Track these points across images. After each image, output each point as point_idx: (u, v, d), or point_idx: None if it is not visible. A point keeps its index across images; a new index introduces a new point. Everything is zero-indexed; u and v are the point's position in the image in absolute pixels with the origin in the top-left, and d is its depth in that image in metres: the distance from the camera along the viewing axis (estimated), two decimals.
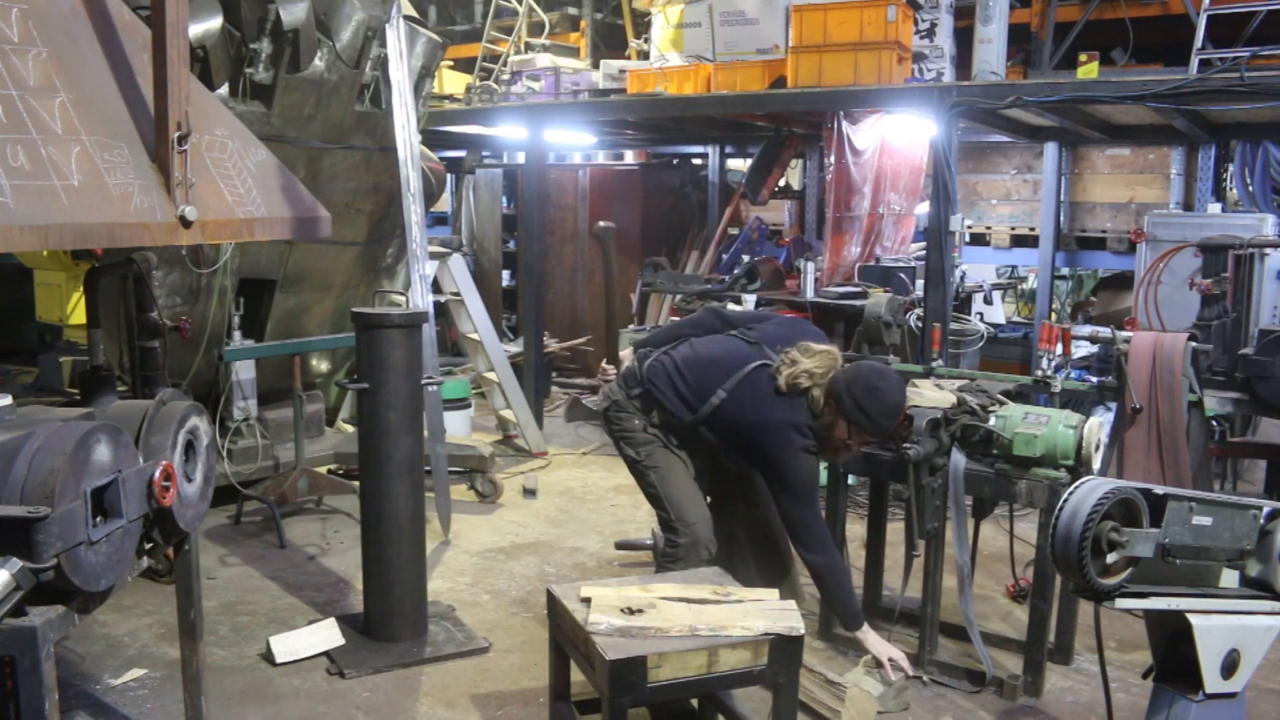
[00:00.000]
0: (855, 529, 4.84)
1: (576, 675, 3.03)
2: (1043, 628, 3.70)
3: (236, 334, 5.29)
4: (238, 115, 4.03)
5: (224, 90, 4.79)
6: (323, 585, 4.72)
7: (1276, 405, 4.40)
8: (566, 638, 2.95)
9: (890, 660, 3.49)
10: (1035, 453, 3.57)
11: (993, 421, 3.67)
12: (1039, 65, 7.81)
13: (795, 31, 6.41)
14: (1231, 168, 7.41)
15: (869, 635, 3.54)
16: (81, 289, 4.77)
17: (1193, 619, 2.32)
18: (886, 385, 3.39)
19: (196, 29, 4.46)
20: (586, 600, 2.91)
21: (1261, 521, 2.49)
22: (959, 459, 3.66)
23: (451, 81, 8.72)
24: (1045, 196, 7.63)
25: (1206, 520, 2.37)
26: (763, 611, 2.82)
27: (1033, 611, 3.71)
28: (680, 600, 2.90)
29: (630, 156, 10.70)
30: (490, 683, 3.81)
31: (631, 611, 2.81)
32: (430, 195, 6.29)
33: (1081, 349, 6.50)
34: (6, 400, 2.62)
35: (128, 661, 3.91)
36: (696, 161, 10.11)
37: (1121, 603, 2.31)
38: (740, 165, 9.79)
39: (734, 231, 8.80)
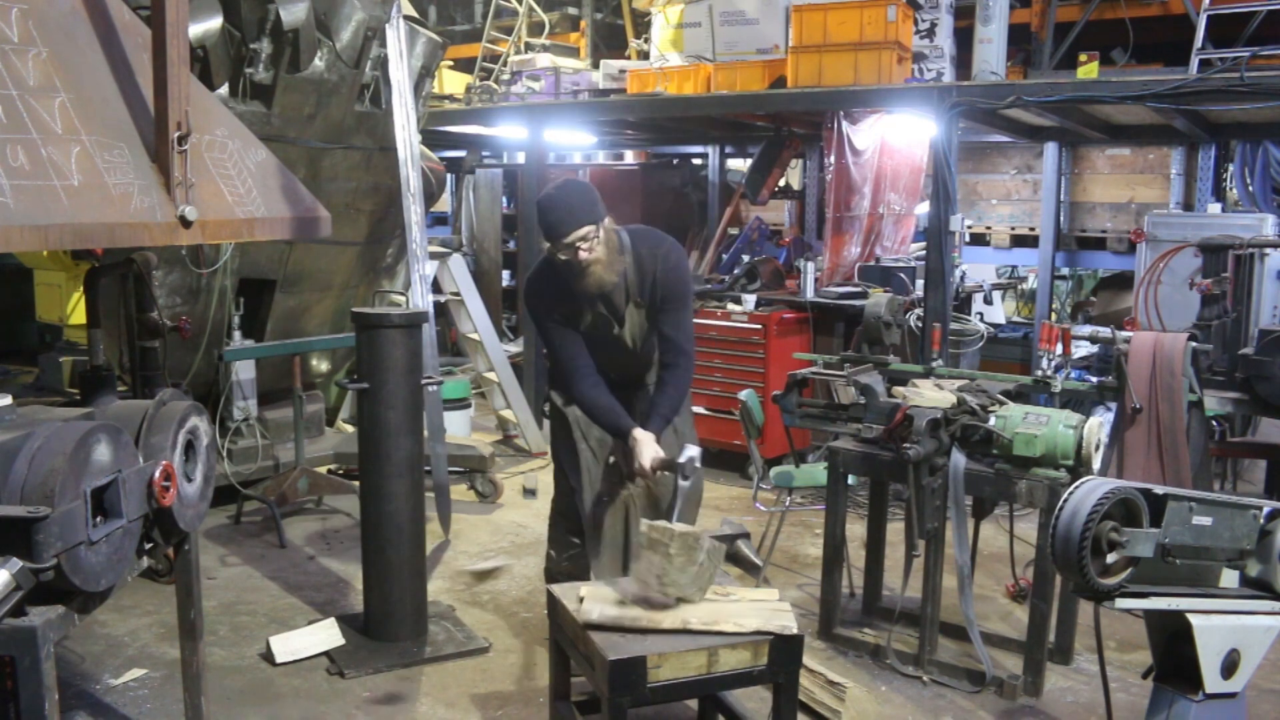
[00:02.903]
0: (855, 529, 4.85)
1: (577, 675, 3.03)
2: (1043, 628, 3.70)
3: (236, 334, 5.30)
4: (238, 115, 4.03)
5: (224, 90, 4.79)
6: (323, 585, 4.73)
7: (1276, 405, 4.40)
8: (566, 638, 2.95)
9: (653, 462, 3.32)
10: (1035, 453, 3.57)
11: (993, 421, 3.67)
12: (1039, 65, 7.81)
13: (795, 31, 6.41)
14: (1231, 168, 7.41)
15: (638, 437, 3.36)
16: (81, 289, 4.78)
17: (1193, 619, 2.32)
18: (546, 191, 3.36)
19: (196, 29, 4.46)
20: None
21: (1261, 521, 2.49)
22: (959, 459, 3.66)
23: (451, 81, 8.72)
24: (1045, 196, 7.62)
25: (1206, 520, 2.37)
26: (756, 610, 2.82)
27: (1033, 611, 3.71)
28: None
29: (630, 156, 10.70)
30: (490, 683, 3.81)
31: (624, 603, 2.81)
32: (430, 195, 6.29)
33: (1081, 349, 6.51)
34: (6, 400, 2.62)
35: (128, 661, 3.91)
36: (696, 161, 10.11)
37: (1121, 603, 2.31)
38: (740, 165, 9.79)
39: (734, 231, 8.80)
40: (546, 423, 7.56)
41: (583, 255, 3.26)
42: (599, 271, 3.30)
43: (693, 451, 3.32)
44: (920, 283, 6.27)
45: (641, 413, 3.53)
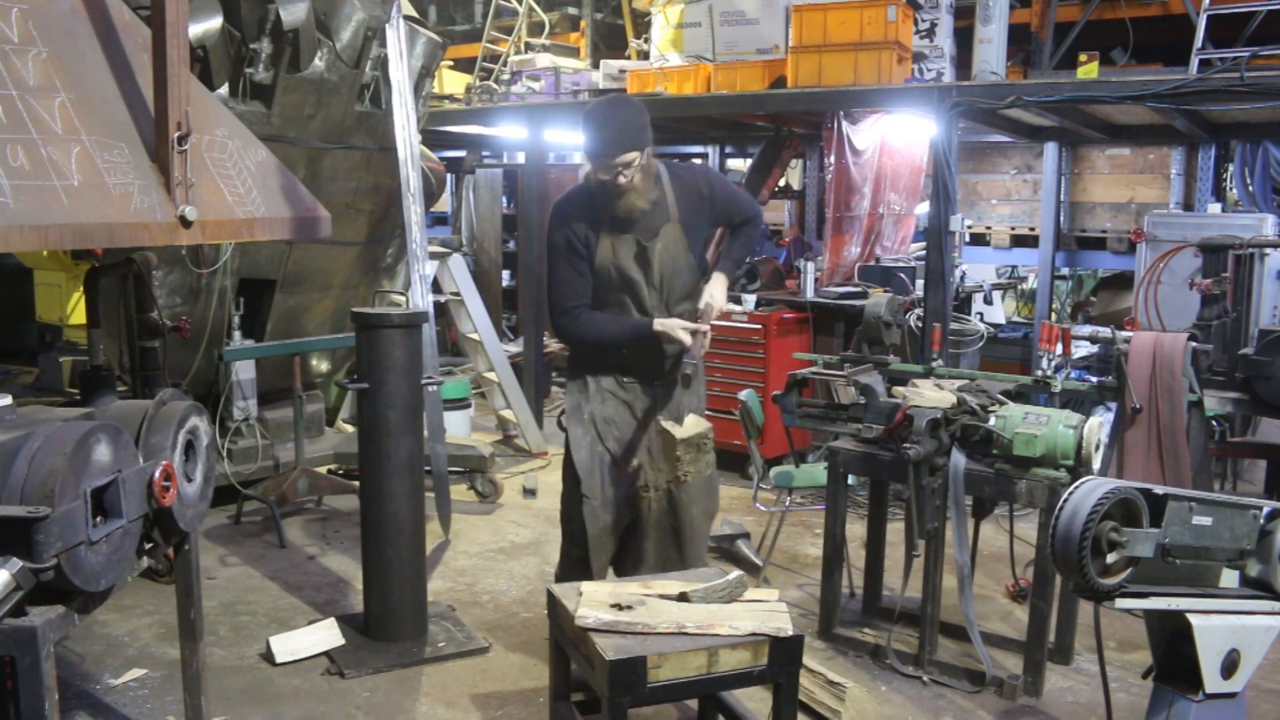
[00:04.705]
0: (855, 529, 4.85)
1: (577, 675, 3.03)
2: (1043, 628, 3.70)
3: (236, 334, 5.30)
4: (238, 115, 4.03)
5: (224, 90, 4.79)
6: (323, 585, 4.73)
7: (1276, 405, 4.40)
8: (566, 638, 2.95)
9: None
10: (1035, 453, 3.57)
11: (993, 421, 3.67)
12: (1039, 65, 7.81)
13: (795, 31, 6.41)
14: (1231, 168, 7.41)
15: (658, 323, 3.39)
16: (81, 289, 4.78)
17: (1193, 619, 2.32)
18: (596, 102, 3.36)
19: (196, 29, 4.46)
20: None
21: (1261, 521, 2.49)
22: (959, 459, 3.66)
23: (451, 81, 8.73)
24: (1045, 196, 7.63)
25: (1206, 520, 2.37)
26: (752, 612, 2.83)
27: (1033, 611, 3.71)
28: (674, 598, 2.90)
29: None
30: (490, 683, 3.81)
31: (621, 607, 2.82)
32: (430, 195, 6.29)
33: (1081, 349, 6.50)
34: (6, 400, 2.62)
35: (128, 661, 3.92)
36: (696, 161, 10.11)
37: (1121, 603, 2.31)
38: (740, 165, 9.80)
39: None
40: (547, 422, 7.59)
41: (621, 180, 3.26)
42: (632, 198, 3.32)
43: (693, 359, 3.40)
44: (920, 283, 6.27)
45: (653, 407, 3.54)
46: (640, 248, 3.42)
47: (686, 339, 3.34)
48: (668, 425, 3.39)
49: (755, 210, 3.70)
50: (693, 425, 3.46)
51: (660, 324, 3.36)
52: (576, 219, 3.42)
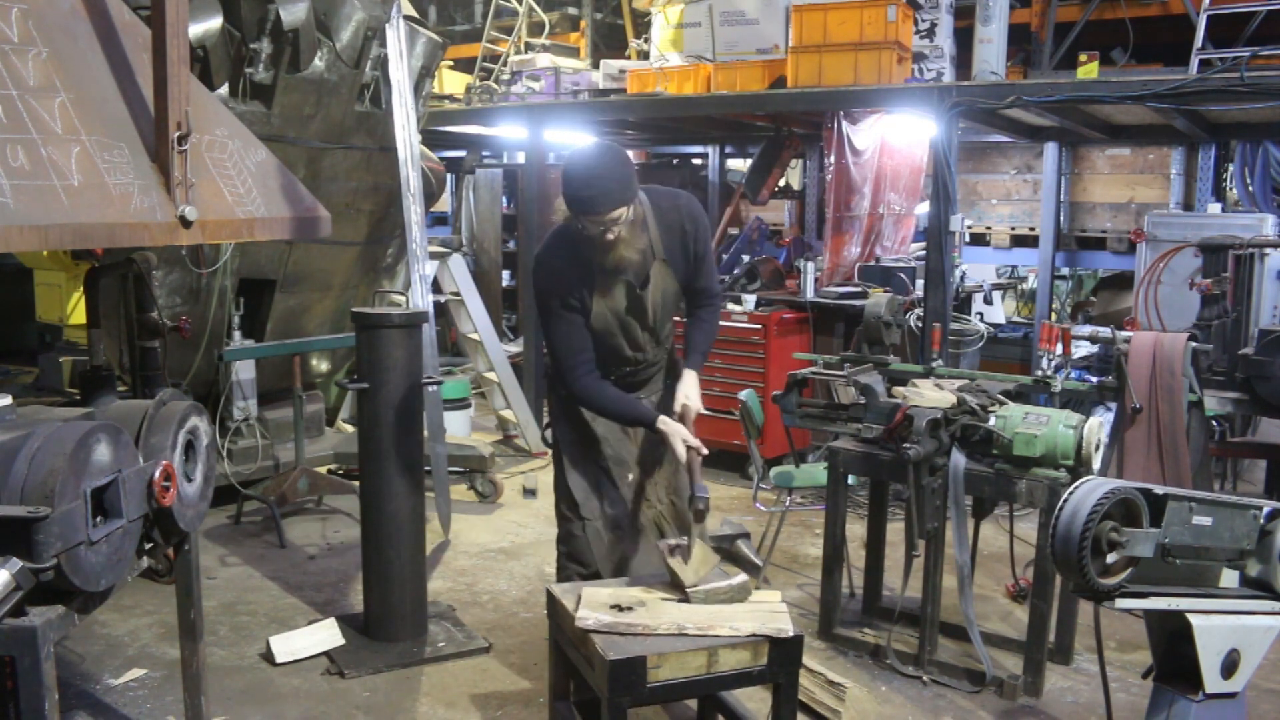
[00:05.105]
0: (855, 529, 4.85)
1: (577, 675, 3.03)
2: (1043, 628, 3.70)
3: (236, 334, 5.30)
4: (238, 115, 4.03)
5: (224, 90, 4.80)
6: (323, 585, 4.73)
7: (1276, 405, 4.40)
8: (566, 638, 2.95)
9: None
10: (1035, 453, 3.57)
11: (993, 421, 3.67)
12: (1039, 65, 7.82)
13: (795, 31, 6.41)
14: (1231, 168, 7.41)
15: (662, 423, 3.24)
16: (81, 289, 4.78)
17: (1193, 619, 2.32)
18: (577, 153, 3.17)
19: (196, 29, 4.46)
20: None
21: (1261, 521, 2.49)
22: (959, 459, 3.66)
23: (451, 81, 8.73)
24: (1045, 196, 7.63)
25: (1206, 520, 2.37)
26: (752, 612, 2.82)
27: (1033, 611, 3.71)
28: (674, 599, 2.90)
29: (630, 156, 10.69)
30: (490, 683, 3.81)
31: (621, 609, 2.81)
32: (430, 195, 6.29)
33: (1081, 349, 6.51)
34: (6, 400, 2.62)
35: (128, 661, 3.92)
36: (696, 161, 10.10)
37: (1121, 603, 2.31)
38: (740, 165, 9.79)
39: (734, 231, 8.80)
40: (548, 424, 7.59)
41: (609, 237, 3.12)
42: (622, 250, 3.17)
43: (704, 493, 3.16)
44: (920, 283, 6.27)
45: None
46: (634, 296, 3.30)
47: (682, 453, 3.19)
48: (674, 565, 2.97)
49: (717, 287, 3.56)
50: (700, 563, 2.97)
51: (664, 425, 3.24)
52: (565, 273, 3.27)
